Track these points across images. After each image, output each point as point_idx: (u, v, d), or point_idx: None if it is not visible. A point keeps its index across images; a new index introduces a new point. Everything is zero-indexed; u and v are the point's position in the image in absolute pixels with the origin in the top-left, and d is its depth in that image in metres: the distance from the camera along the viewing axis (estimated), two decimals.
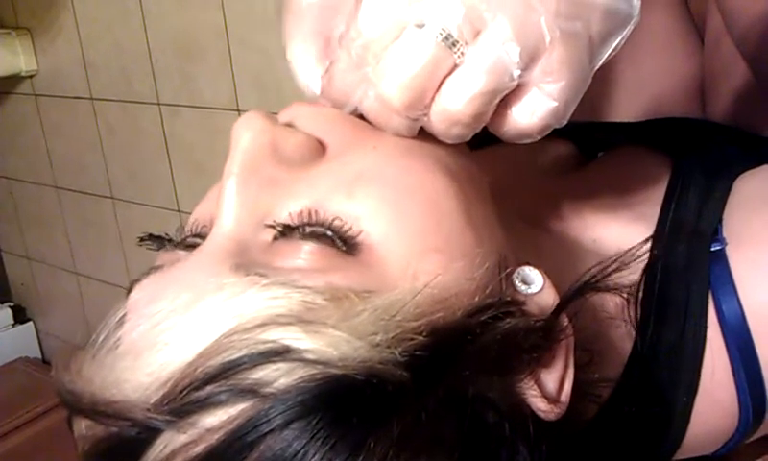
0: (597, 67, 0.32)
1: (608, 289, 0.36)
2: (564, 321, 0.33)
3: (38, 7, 1.89)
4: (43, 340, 2.39)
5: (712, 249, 0.41)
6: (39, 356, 2.36)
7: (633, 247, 0.42)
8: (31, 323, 2.38)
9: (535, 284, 0.34)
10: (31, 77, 2.01)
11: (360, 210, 0.30)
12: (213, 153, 1.65)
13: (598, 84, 0.64)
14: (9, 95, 2.11)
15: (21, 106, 2.09)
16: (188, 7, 1.56)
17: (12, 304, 2.37)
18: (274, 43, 1.46)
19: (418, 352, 0.27)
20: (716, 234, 0.42)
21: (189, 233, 0.34)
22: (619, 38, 0.32)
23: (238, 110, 1.57)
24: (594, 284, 0.36)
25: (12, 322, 2.33)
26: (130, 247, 1.98)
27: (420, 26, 0.29)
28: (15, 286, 2.43)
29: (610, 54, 0.32)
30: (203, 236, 0.33)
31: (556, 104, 0.31)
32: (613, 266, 0.37)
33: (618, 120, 0.62)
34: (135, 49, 1.69)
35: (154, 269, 0.32)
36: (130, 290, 0.31)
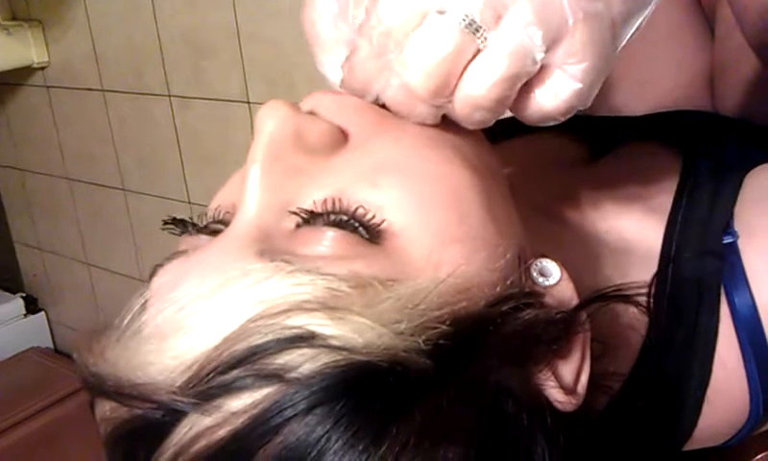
0: (620, 48, 0.32)
1: (631, 302, 0.36)
2: (583, 314, 0.33)
3: None
4: (55, 330, 2.40)
5: (724, 242, 0.41)
6: (51, 346, 2.38)
7: (653, 249, 0.42)
8: (43, 313, 2.39)
9: (553, 276, 0.34)
10: (42, 69, 2.02)
11: (383, 199, 0.30)
12: (224, 144, 1.65)
13: (609, 78, 0.64)
14: (21, 87, 2.12)
15: (33, 97, 2.10)
16: None
17: (24, 295, 2.38)
18: (283, 35, 1.46)
19: (441, 341, 0.27)
20: (728, 227, 0.42)
21: (212, 220, 0.34)
22: (641, 18, 0.31)
23: (248, 102, 1.58)
24: (619, 295, 0.36)
25: (25, 312, 2.35)
26: (141, 238, 1.99)
27: (442, 12, 0.29)
28: (27, 277, 2.44)
29: (632, 34, 0.32)
30: (225, 223, 0.33)
31: (580, 85, 0.31)
32: (635, 272, 0.37)
33: (629, 114, 0.62)
34: (146, 41, 1.70)
35: (177, 254, 0.32)
36: (153, 274, 0.31)
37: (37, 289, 2.42)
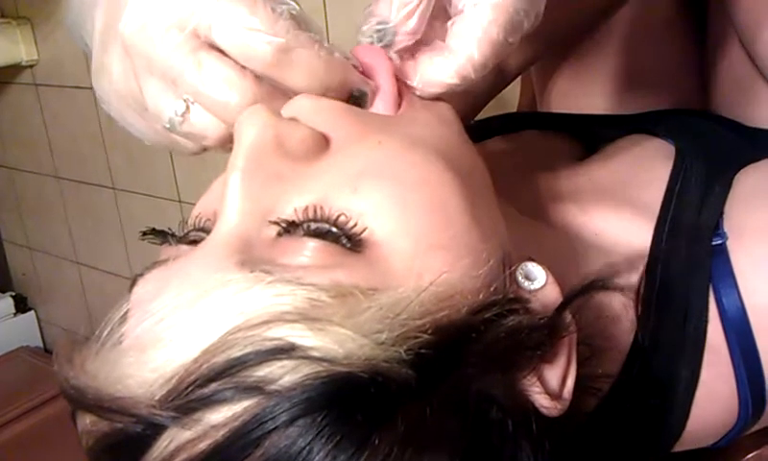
0: None
1: (613, 289, 0.36)
2: (568, 317, 0.32)
3: None
4: (45, 329, 2.39)
5: (713, 243, 0.41)
6: (41, 345, 2.37)
7: (641, 250, 0.42)
8: (32, 312, 2.38)
9: (538, 280, 0.34)
10: (31, 66, 2.01)
11: (365, 206, 0.30)
12: None
13: (600, 77, 0.64)
14: (9, 85, 2.11)
15: (22, 95, 2.09)
16: None
17: (13, 294, 2.38)
18: None
19: (422, 351, 0.27)
20: (717, 228, 0.42)
21: (192, 228, 0.34)
22: None
23: None
24: (600, 284, 0.35)
25: (14, 311, 2.34)
26: (131, 237, 1.98)
27: None
28: (17, 276, 2.44)
29: None
30: (206, 231, 0.32)
31: None
32: (621, 267, 0.37)
33: (619, 112, 0.62)
34: None
35: (157, 264, 0.32)
36: (133, 284, 0.31)
37: (27, 288, 2.41)
